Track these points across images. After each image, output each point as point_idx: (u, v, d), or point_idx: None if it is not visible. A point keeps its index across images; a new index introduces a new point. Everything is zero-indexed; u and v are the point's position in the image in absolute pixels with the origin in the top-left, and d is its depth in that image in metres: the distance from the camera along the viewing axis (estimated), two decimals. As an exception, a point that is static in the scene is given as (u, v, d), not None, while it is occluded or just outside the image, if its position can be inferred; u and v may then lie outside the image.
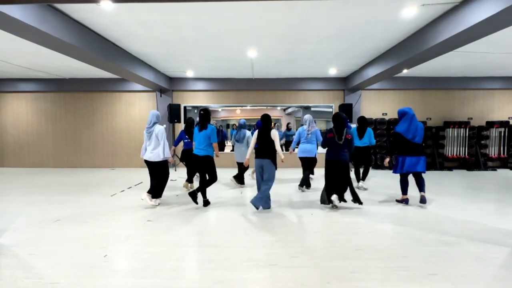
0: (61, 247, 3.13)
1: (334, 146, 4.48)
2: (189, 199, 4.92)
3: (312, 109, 9.72)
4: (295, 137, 5.97)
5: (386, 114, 9.44)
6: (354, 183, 6.08)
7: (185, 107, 9.51)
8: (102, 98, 9.50)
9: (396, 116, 9.39)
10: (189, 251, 3.05)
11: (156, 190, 4.73)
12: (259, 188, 4.61)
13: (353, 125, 9.15)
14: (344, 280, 2.44)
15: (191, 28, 4.96)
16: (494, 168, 9.07)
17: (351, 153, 5.19)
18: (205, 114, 4.70)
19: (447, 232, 3.55)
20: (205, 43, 5.73)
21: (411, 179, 4.90)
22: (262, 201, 4.46)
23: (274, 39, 5.54)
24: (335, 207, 4.55)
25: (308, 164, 5.85)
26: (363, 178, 6.02)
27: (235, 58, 6.86)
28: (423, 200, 4.66)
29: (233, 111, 11.23)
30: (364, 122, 5.90)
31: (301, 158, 5.88)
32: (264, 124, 4.53)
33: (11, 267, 2.69)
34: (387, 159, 4.99)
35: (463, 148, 9.04)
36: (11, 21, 3.65)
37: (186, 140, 6.06)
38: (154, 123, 4.62)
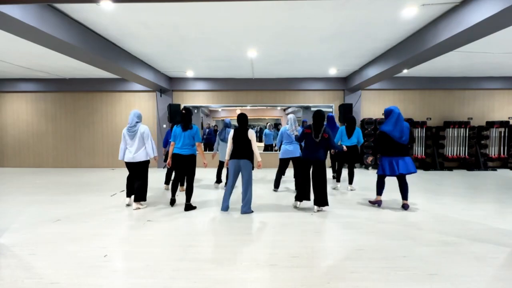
0: (61, 247, 3.13)
1: (311, 143, 4.36)
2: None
3: (312, 109, 9.71)
4: (278, 137, 5.71)
5: (386, 114, 9.42)
6: (332, 184, 6.19)
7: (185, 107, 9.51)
8: (102, 98, 9.50)
9: (396, 116, 9.39)
10: (189, 251, 3.05)
11: (140, 192, 4.56)
12: (227, 189, 4.41)
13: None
14: (344, 280, 2.44)
15: (191, 28, 4.97)
16: (494, 168, 9.07)
17: (337, 153, 5.42)
18: (188, 113, 4.62)
19: (447, 232, 3.55)
20: (205, 43, 5.74)
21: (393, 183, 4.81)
22: (248, 205, 4.35)
23: (274, 39, 5.54)
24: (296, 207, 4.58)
25: (286, 164, 5.71)
26: (350, 181, 5.96)
27: (235, 58, 6.86)
28: (405, 208, 4.49)
29: (233, 111, 11.23)
30: (352, 122, 5.83)
31: (282, 160, 5.64)
32: (241, 124, 4.37)
33: (11, 267, 2.69)
34: (370, 158, 4.89)
35: (463, 148, 9.04)
36: (11, 21, 3.65)
37: None
38: (137, 123, 4.53)
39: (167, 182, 6.02)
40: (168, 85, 9.02)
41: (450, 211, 4.44)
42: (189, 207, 4.53)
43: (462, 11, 4.03)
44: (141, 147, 4.52)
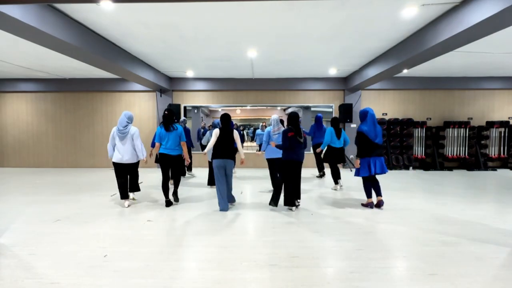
0: (61, 247, 3.13)
1: (296, 145, 4.35)
2: (188, 199, 4.92)
3: (312, 109, 9.72)
4: (264, 138, 5.43)
5: (386, 114, 9.44)
6: (332, 186, 6.19)
7: (185, 107, 9.51)
8: (102, 98, 9.50)
9: (396, 116, 9.41)
10: (189, 251, 3.05)
11: (134, 184, 4.90)
12: (222, 190, 4.44)
13: (353, 125, 9.20)
14: (344, 280, 2.44)
15: (191, 28, 4.97)
16: (494, 168, 9.07)
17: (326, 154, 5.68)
18: (170, 114, 4.68)
19: (447, 232, 3.55)
20: (205, 43, 5.74)
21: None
22: (230, 197, 4.60)
23: (274, 39, 5.54)
24: (275, 206, 4.56)
25: (275, 166, 5.38)
26: (338, 179, 6.04)
27: (235, 58, 6.86)
28: (381, 204, 4.56)
29: (233, 111, 11.25)
30: (337, 123, 5.88)
31: (269, 160, 5.44)
32: (224, 124, 4.42)
33: (11, 267, 2.69)
34: (358, 161, 4.55)
35: (463, 148, 9.05)
36: (11, 21, 3.65)
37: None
38: (128, 124, 4.56)
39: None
40: (168, 85, 9.02)
41: (450, 211, 4.44)
42: (175, 194, 4.88)
43: (462, 11, 4.03)
44: (131, 149, 4.58)
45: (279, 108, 10.20)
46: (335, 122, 5.97)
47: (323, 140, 6.11)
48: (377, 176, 4.77)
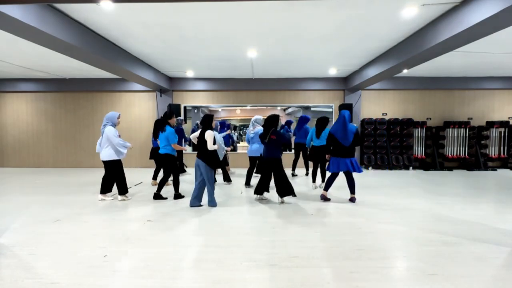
0: (61, 247, 3.13)
1: (264, 143, 4.90)
2: (188, 199, 4.91)
3: (312, 109, 9.72)
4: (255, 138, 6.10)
5: (386, 114, 9.44)
6: (311, 184, 6.27)
7: (185, 107, 9.51)
8: (102, 98, 9.50)
9: (396, 116, 9.41)
10: (189, 251, 3.05)
11: (120, 187, 5.07)
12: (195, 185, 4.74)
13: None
14: (344, 280, 2.44)
15: (191, 28, 4.97)
16: (494, 168, 9.07)
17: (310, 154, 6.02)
18: (163, 117, 5.22)
19: (447, 232, 3.55)
20: (205, 43, 5.74)
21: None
22: (197, 200, 4.69)
23: (274, 39, 5.54)
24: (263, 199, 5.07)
25: (255, 163, 6.21)
26: (323, 179, 6.14)
27: (235, 58, 6.86)
28: (353, 200, 4.92)
29: (233, 111, 11.24)
30: (324, 123, 5.92)
31: (250, 158, 6.20)
32: (204, 124, 4.60)
33: (11, 267, 2.69)
34: (328, 156, 5.18)
35: (463, 148, 9.04)
36: (11, 21, 3.65)
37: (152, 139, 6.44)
38: (104, 125, 4.86)
39: (154, 178, 6.48)
40: (168, 85, 9.02)
41: (450, 211, 4.44)
42: (165, 196, 5.19)
43: (462, 11, 4.03)
44: (105, 146, 4.86)
45: (279, 108, 10.19)
46: (319, 122, 5.95)
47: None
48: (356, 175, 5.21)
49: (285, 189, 4.73)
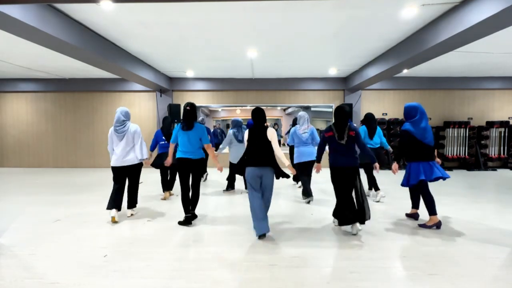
0: (61, 247, 3.13)
1: (336, 147, 3.53)
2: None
3: (312, 109, 9.72)
4: (289, 139, 5.23)
5: (386, 114, 9.43)
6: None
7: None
8: (102, 98, 9.50)
9: (396, 116, 9.38)
10: (188, 251, 3.05)
11: (133, 198, 4.20)
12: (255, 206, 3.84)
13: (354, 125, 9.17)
14: (344, 280, 2.44)
15: (191, 28, 4.96)
16: (494, 168, 9.07)
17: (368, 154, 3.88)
18: (192, 110, 4.03)
19: (447, 232, 3.55)
20: (205, 43, 5.73)
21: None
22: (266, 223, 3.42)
23: (274, 39, 5.54)
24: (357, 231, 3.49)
25: (311, 169, 5.16)
26: (370, 186, 5.23)
27: (235, 58, 6.86)
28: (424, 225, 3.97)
29: (233, 111, 11.25)
30: (375, 121, 5.08)
31: (304, 164, 5.15)
32: (258, 120, 3.48)
33: (11, 267, 2.69)
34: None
35: (463, 148, 9.04)
36: (11, 21, 3.65)
37: (163, 142, 5.14)
38: (124, 121, 4.02)
39: (170, 188, 5.34)
40: (168, 85, 9.02)
41: (450, 211, 4.44)
42: (193, 217, 3.89)
43: (462, 11, 4.03)
44: (130, 148, 4.01)
45: (279, 108, 10.20)
46: (370, 120, 5.23)
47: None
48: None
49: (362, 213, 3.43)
